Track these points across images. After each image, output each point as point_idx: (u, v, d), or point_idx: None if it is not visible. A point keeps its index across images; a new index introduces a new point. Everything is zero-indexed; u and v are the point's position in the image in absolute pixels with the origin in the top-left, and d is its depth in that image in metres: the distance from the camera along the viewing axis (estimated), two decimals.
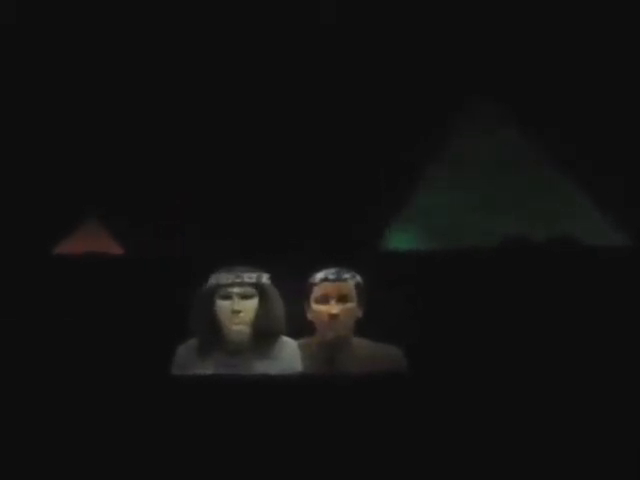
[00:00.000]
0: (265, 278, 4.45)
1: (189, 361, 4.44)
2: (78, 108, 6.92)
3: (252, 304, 4.40)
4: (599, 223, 6.18)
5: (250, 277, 4.43)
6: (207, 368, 4.42)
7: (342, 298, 4.41)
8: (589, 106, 6.62)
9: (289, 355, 4.45)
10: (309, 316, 4.47)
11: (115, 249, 6.34)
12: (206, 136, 6.94)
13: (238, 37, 7.05)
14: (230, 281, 4.41)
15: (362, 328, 4.46)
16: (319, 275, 4.46)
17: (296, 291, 4.46)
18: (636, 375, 4.32)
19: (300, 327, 4.48)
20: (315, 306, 4.44)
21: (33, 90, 6.91)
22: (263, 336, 4.43)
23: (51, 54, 6.98)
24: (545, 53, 6.83)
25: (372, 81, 6.98)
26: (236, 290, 4.40)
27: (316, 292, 4.43)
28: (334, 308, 4.40)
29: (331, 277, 4.44)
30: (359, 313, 4.46)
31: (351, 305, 4.43)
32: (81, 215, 6.60)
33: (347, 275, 4.46)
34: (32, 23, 7.03)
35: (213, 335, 4.43)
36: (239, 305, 4.38)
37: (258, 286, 4.42)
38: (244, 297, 4.40)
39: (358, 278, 4.48)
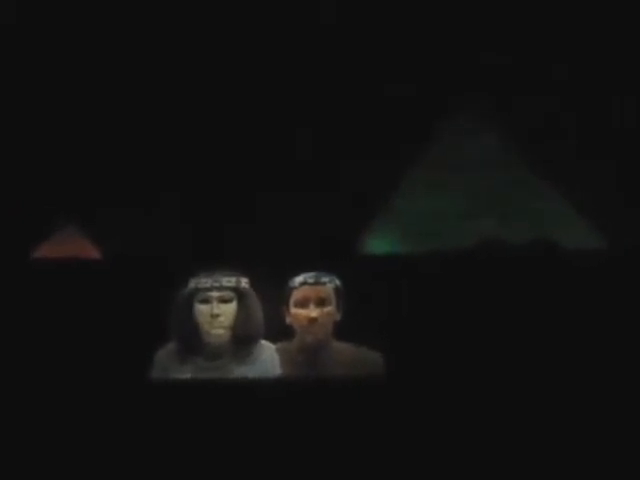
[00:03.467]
0: (244, 282, 4.45)
1: (168, 365, 4.44)
2: (58, 114, 6.92)
3: (231, 308, 4.41)
4: (578, 226, 6.20)
5: (229, 281, 4.43)
6: (186, 372, 4.42)
7: (321, 302, 4.42)
8: (571, 109, 6.64)
9: (268, 359, 4.45)
10: (288, 320, 4.47)
11: (92, 253, 6.32)
12: (188, 138, 6.93)
13: (238, 38, 7.05)
14: (209, 285, 4.41)
15: (341, 331, 4.46)
16: (298, 279, 4.46)
17: (275, 295, 4.47)
18: (614, 373, 4.36)
19: (279, 331, 4.48)
20: (294, 310, 4.44)
21: (10, 94, 6.90)
22: (242, 340, 4.43)
23: (36, 61, 6.98)
24: (527, 55, 6.85)
25: (355, 85, 7.00)
26: (215, 294, 4.40)
27: (295, 296, 4.44)
28: (313, 312, 4.41)
29: (310, 281, 4.45)
30: (338, 317, 4.46)
31: (330, 309, 4.43)
32: (58, 219, 6.58)
33: (326, 279, 4.47)
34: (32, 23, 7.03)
35: (192, 339, 4.42)
36: (218, 309, 4.39)
37: (237, 290, 4.42)
38: (223, 301, 4.40)
39: (337, 282, 4.48)
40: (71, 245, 6.31)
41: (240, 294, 4.42)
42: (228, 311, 4.40)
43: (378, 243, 6.29)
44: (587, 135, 6.54)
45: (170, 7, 7.05)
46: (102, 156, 6.88)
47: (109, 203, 6.68)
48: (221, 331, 4.40)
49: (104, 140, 6.94)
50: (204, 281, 4.42)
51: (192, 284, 4.43)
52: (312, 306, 4.41)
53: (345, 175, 6.61)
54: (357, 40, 7.08)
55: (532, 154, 6.57)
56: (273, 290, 4.46)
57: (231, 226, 6.45)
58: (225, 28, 7.09)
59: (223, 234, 6.29)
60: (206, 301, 4.40)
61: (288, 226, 6.44)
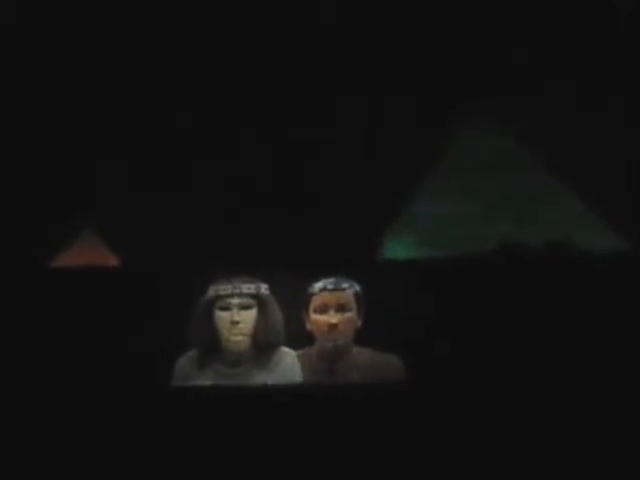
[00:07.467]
0: (264, 289, 4.45)
1: (189, 372, 4.44)
2: (74, 118, 6.91)
3: (251, 315, 4.41)
4: (595, 227, 6.19)
5: (249, 288, 4.43)
6: (207, 379, 4.43)
7: (341, 307, 4.41)
8: (585, 111, 6.63)
9: (288, 365, 4.45)
10: (308, 326, 4.46)
11: (112, 261, 6.31)
12: (201, 144, 6.92)
13: (238, 38, 7.04)
14: (229, 292, 4.41)
15: (361, 337, 4.46)
16: (318, 285, 4.45)
17: (295, 301, 4.46)
18: (630, 376, 4.36)
19: (300, 337, 4.48)
20: (314, 316, 4.43)
21: (27, 99, 6.90)
22: (262, 346, 4.43)
23: (44, 60, 6.98)
24: (540, 58, 6.84)
25: (367, 88, 6.98)
26: (235, 301, 4.40)
27: (315, 302, 4.43)
28: (333, 318, 4.40)
29: (330, 287, 4.44)
30: (358, 322, 4.45)
31: (350, 314, 4.43)
32: (78, 228, 6.56)
33: (346, 284, 4.46)
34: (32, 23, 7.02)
35: (212, 346, 4.43)
36: (238, 316, 4.39)
37: (257, 297, 4.42)
38: (243, 308, 4.40)
39: (357, 287, 4.47)
40: (89, 253, 6.29)
41: (260, 300, 4.42)
42: (248, 318, 4.40)
43: (397, 248, 6.29)
44: (601, 136, 6.53)
45: (169, 6, 7.04)
46: (103, 158, 6.86)
47: (114, 208, 6.66)
48: (241, 338, 4.40)
49: (104, 141, 6.92)
50: (224, 288, 4.42)
51: (212, 291, 4.43)
52: (332, 312, 4.40)
53: (360, 184, 6.59)
54: (357, 40, 7.06)
55: (547, 157, 6.56)
56: (293, 296, 4.46)
57: (246, 234, 6.43)
58: (225, 28, 7.09)
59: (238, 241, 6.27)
60: (226, 308, 4.40)
61: (306, 234, 6.41)
